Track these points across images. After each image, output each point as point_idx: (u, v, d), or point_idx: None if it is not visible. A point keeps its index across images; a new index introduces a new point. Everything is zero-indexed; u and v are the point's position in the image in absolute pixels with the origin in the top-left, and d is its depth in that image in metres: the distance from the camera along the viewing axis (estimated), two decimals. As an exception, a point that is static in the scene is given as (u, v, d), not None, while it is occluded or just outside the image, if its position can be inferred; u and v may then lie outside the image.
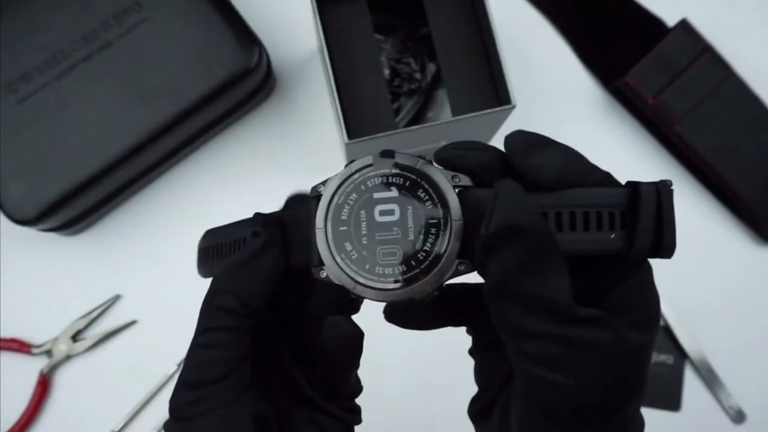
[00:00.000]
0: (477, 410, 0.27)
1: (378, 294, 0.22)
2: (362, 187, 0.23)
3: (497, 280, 0.21)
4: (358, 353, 0.27)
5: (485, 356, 0.28)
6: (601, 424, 0.22)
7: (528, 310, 0.21)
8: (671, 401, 0.59)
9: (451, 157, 0.23)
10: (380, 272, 0.22)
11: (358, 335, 0.27)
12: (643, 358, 0.22)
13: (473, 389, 0.28)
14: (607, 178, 0.23)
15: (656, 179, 0.23)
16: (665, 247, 0.22)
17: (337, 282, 0.23)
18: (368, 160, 0.23)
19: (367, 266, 0.22)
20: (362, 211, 0.23)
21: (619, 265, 0.23)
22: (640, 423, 0.24)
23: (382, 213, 0.23)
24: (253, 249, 0.23)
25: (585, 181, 0.22)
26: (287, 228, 0.24)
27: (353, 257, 0.22)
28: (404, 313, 0.26)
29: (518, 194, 0.21)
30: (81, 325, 0.57)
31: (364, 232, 0.23)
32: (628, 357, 0.21)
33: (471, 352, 0.29)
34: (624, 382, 0.22)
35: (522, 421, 0.22)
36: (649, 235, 0.22)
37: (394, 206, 0.23)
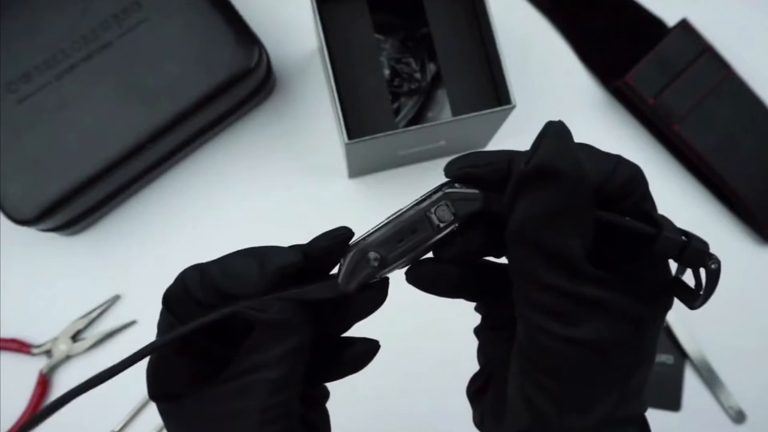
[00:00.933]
0: (475, 388, 0.27)
1: (390, 223, 0.24)
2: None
3: (523, 224, 0.21)
4: (369, 361, 0.27)
5: (491, 335, 0.28)
6: (602, 387, 0.22)
7: (546, 261, 0.21)
8: (671, 401, 0.59)
9: (463, 176, 0.24)
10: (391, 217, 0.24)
11: (375, 349, 0.27)
12: (649, 328, 0.22)
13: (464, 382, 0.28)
14: (619, 163, 0.23)
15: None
16: (695, 247, 0.21)
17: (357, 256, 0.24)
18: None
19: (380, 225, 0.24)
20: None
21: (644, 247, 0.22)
22: (643, 403, 0.24)
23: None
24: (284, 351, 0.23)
25: (597, 171, 0.22)
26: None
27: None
28: (426, 274, 0.26)
29: (565, 137, 0.21)
30: (81, 325, 0.57)
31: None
32: (633, 323, 0.22)
33: (477, 330, 0.29)
34: (627, 347, 0.22)
35: (522, 377, 0.22)
36: (675, 229, 0.22)
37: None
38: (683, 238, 0.22)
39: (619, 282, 0.21)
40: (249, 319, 0.23)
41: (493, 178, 0.23)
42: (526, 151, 0.22)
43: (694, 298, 0.22)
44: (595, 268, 0.21)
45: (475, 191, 0.23)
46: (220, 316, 0.23)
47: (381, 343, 0.26)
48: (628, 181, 0.22)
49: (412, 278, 0.26)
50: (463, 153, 0.24)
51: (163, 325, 0.24)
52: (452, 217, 0.23)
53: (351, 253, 0.24)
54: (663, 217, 0.22)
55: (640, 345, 0.22)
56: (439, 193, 0.24)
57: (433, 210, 0.24)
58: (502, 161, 0.23)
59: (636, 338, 0.22)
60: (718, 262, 0.22)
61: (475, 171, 0.23)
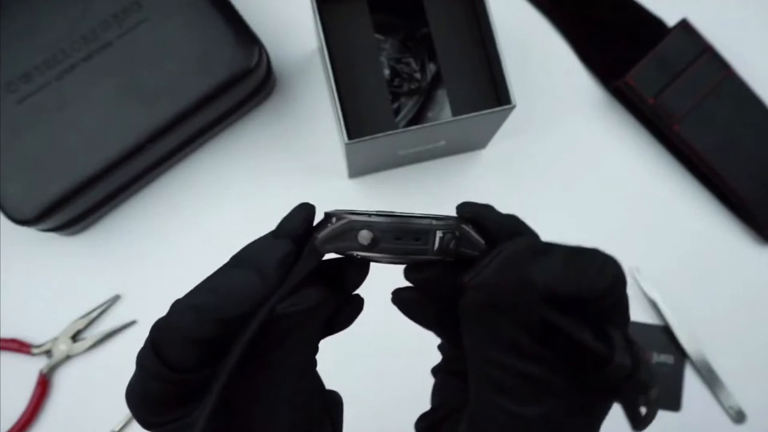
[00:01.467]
0: (426, 425, 0.28)
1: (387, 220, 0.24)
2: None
3: (472, 308, 0.22)
4: (356, 318, 0.28)
5: (451, 380, 0.28)
6: None
7: (494, 341, 0.22)
8: (671, 401, 0.59)
9: (469, 220, 0.24)
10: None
11: (361, 305, 0.28)
12: (598, 412, 0.23)
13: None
14: (599, 273, 0.23)
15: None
16: (640, 379, 0.22)
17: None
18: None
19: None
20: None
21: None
22: None
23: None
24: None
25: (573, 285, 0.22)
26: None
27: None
28: (412, 300, 0.27)
29: (517, 261, 0.22)
30: (81, 325, 0.57)
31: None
32: (583, 409, 0.23)
33: (435, 370, 0.30)
34: (573, 425, 0.23)
35: None
36: (626, 354, 0.22)
37: None
38: (633, 360, 0.22)
39: (567, 367, 0.22)
40: (287, 317, 0.23)
41: (492, 233, 0.24)
42: (527, 232, 0.23)
43: (636, 420, 0.22)
44: (548, 333, 0.22)
45: (482, 243, 0.24)
46: (256, 328, 0.22)
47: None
48: (604, 291, 0.22)
49: (397, 300, 0.27)
50: (481, 203, 0.25)
51: (155, 373, 0.23)
52: (453, 249, 0.24)
53: (342, 222, 0.24)
54: (618, 335, 0.22)
55: (589, 424, 0.23)
56: (455, 223, 0.24)
57: (441, 233, 0.24)
58: (502, 228, 0.24)
59: (584, 418, 0.23)
60: (658, 394, 0.22)
61: (481, 221, 0.24)
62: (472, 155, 0.61)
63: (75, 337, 0.57)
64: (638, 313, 0.59)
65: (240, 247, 0.25)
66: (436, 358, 0.30)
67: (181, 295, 0.25)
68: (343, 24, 0.50)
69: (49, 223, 0.53)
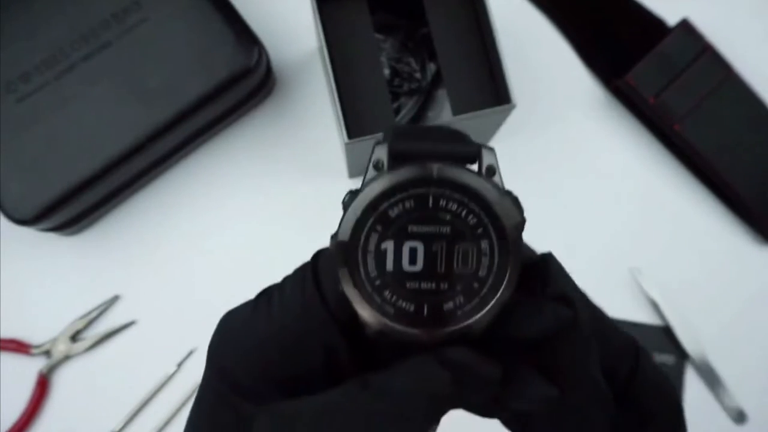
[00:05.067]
0: None
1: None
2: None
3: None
4: None
5: None
6: None
7: None
8: (672, 401, 0.59)
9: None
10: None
11: None
12: None
13: None
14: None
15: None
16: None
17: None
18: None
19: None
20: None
21: None
22: None
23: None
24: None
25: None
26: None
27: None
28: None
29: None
30: (80, 325, 0.57)
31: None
32: None
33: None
34: None
35: None
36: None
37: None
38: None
39: None
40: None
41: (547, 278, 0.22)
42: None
43: None
44: None
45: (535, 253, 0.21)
46: None
47: None
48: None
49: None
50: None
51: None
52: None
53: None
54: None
55: None
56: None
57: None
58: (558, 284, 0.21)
59: None
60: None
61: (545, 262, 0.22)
62: (472, 155, 0.60)
63: (74, 338, 0.57)
64: (638, 313, 0.59)
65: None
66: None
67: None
68: (343, 24, 0.50)
69: (49, 223, 0.53)
